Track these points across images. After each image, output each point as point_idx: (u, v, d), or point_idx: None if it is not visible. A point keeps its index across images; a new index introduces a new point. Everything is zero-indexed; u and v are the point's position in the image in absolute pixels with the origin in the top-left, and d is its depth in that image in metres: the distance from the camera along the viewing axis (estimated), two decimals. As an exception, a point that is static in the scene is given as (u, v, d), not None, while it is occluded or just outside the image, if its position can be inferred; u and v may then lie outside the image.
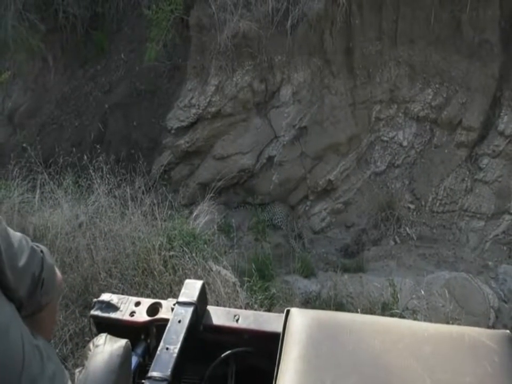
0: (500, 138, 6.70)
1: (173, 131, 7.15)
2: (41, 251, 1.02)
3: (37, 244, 1.02)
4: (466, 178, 6.86)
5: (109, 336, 1.28)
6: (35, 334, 0.95)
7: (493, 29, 6.76)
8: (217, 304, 3.85)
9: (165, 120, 7.20)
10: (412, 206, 6.97)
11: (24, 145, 6.42)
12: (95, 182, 4.93)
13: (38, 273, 0.98)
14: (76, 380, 1.15)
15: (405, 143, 7.11)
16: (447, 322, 4.34)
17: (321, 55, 6.97)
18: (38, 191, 4.83)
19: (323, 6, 6.75)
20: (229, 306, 3.85)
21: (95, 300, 1.60)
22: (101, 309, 1.56)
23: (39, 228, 4.21)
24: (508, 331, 1.23)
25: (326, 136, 6.93)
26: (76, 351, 3.36)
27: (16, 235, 0.96)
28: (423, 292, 4.68)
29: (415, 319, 4.43)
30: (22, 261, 0.94)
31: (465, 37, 6.85)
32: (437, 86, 7.00)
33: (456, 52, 6.93)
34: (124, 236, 4.34)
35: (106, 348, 1.22)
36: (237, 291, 4.23)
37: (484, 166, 6.77)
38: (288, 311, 1.35)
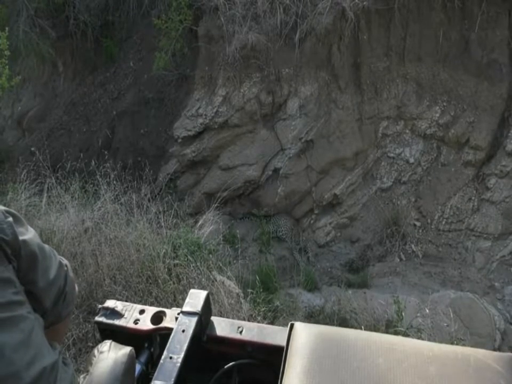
0: (508, 159, 6.69)
1: (179, 140, 7.17)
2: (66, 265, 1.05)
3: (61, 257, 1.04)
4: (473, 198, 6.84)
5: (113, 343, 1.27)
6: (52, 342, 0.96)
7: (502, 49, 6.80)
8: (220, 314, 3.82)
9: (172, 129, 7.23)
10: (418, 224, 6.94)
11: (33, 149, 6.45)
12: (101, 188, 4.94)
13: (62, 286, 1.00)
14: None
15: (411, 160, 7.10)
16: (452, 343, 4.29)
17: (329, 69, 7.01)
18: (45, 195, 4.84)
19: (331, 20, 6.81)
20: (232, 317, 3.82)
21: (100, 306, 1.60)
22: (106, 316, 1.56)
23: (45, 232, 4.20)
24: None
25: (332, 150, 6.93)
26: (79, 357, 3.33)
27: (45, 246, 0.98)
28: (427, 311, 4.63)
29: (419, 337, 4.38)
30: (52, 273, 0.97)
31: (473, 56, 6.88)
32: (444, 104, 7.02)
33: (464, 70, 6.96)
34: (129, 242, 4.33)
35: (111, 354, 1.22)
36: (241, 302, 4.20)
37: (491, 186, 6.74)
38: (292, 325, 1.34)
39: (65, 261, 1.05)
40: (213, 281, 4.17)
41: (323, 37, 6.82)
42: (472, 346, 1.32)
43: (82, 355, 3.40)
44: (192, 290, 1.58)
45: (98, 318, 1.56)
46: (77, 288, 1.09)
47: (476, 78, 6.90)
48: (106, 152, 5.90)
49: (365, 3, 6.70)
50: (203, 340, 1.50)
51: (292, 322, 1.36)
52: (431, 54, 6.98)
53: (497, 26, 6.75)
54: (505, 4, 6.66)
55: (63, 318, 1.04)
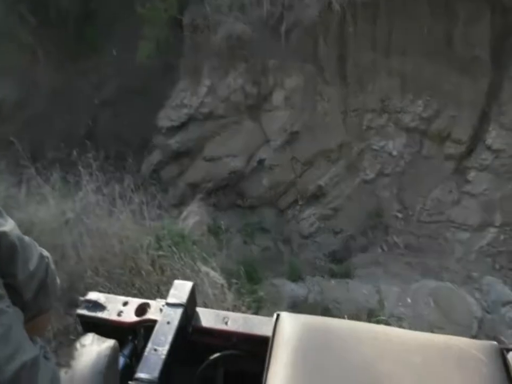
0: (487, 153, 6.83)
1: (163, 130, 7.10)
2: (47, 257, 1.02)
3: (42, 249, 1.02)
4: (453, 190, 6.97)
5: (96, 336, 1.25)
6: (33, 337, 0.94)
7: (484, 46, 6.89)
8: (205, 305, 3.81)
9: (156, 119, 7.15)
10: (400, 215, 7.05)
11: (11, 138, 6.29)
12: (83, 178, 4.85)
13: (44, 278, 0.97)
14: (61, 380, 1.12)
15: (394, 153, 7.19)
16: (431, 331, 4.37)
17: (315, 62, 7.02)
18: (24, 185, 4.73)
19: (318, 12, 6.80)
20: (217, 308, 3.82)
21: (81, 298, 1.56)
22: (88, 308, 1.53)
23: (25, 224, 4.10)
24: (495, 342, 1.24)
25: (317, 142, 6.96)
26: (60, 350, 3.28)
27: (26, 238, 0.95)
28: (409, 300, 4.72)
29: (400, 326, 4.45)
30: (32, 265, 0.94)
31: (456, 52, 6.96)
32: (427, 98, 7.10)
33: (447, 65, 7.04)
34: (111, 234, 4.27)
35: (93, 347, 1.20)
36: (225, 293, 4.20)
37: (471, 179, 6.89)
38: (278, 315, 1.34)
39: (46, 253, 1.01)
40: (197, 272, 4.16)
41: (309, 29, 6.81)
42: (451, 334, 1.35)
43: (64, 348, 3.36)
44: (176, 282, 1.56)
45: (80, 311, 1.52)
46: (58, 280, 1.05)
47: (458, 74, 6.99)
48: (88, 142, 5.79)
49: (351, -4, 6.71)
50: (188, 331, 1.48)
51: (278, 312, 1.36)
52: (416, 48, 7.03)
53: (480, 23, 6.84)
54: (488, 1, 6.75)
55: (45, 311, 1.01)
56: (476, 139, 6.97)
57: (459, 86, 7.00)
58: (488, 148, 6.84)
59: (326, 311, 4.86)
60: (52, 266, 1.01)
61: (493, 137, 6.81)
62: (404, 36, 7.03)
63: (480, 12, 6.78)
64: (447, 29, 6.93)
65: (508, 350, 1.23)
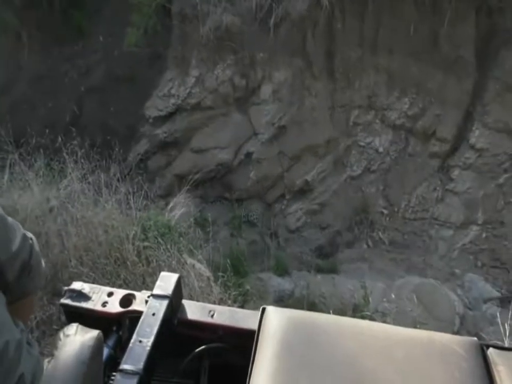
0: (471, 151, 6.96)
1: (150, 120, 7.01)
2: (31, 238, 1.00)
3: (26, 231, 1.00)
4: (437, 188, 7.08)
5: (80, 326, 1.23)
6: (16, 320, 0.92)
7: (469, 46, 6.99)
8: (191, 298, 3.80)
9: (143, 108, 7.05)
10: (385, 211, 7.14)
11: (-6, 123, 6.12)
12: (68, 166, 4.76)
13: (27, 259, 0.96)
14: (44, 369, 1.09)
15: (380, 149, 7.26)
16: (415, 327, 4.46)
17: (303, 56, 7.02)
18: (7, 171, 4.61)
19: (307, 6, 6.79)
20: (203, 301, 3.81)
21: (65, 288, 1.55)
22: (72, 298, 1.51)
23: (7, 210, 3.98)
24: (475, 338, 1.29)
25: (305, 137, 6.98)
26: (43, 339, 3.24)
27: (8, 218, 0.94)
28: (393, 296, 4.80)
29: (384, 321, 4.53)
30: (15, 246, 0.92)
31: (442, 51, 7.05)
32: (413, 96, 7.18)
33: (432, 64, 7.12)
34: (96, 223, 4.22)
35: (77, 338, 1.18)
36: (211, 286, 4.20)
37: (455, 177, 7.01)
38: (264, 309, 1.35)
39: (30, 235, 1.00)
40: (183, 264, 4.14)
41: (298, 23, 6.80)
42: (433, 330, 1.40)
43: (47, 338, 3.31)
44: (163, 273, 1.55)
45: (64, 300, 1.51)
46: (43, 263, 1.04)
47: (443, 73, 7.09)
48: (73, 129, 5.67)
49: (339, -9, 6.72)
50: (174, 323, 1.48)
51: (264, 306, 1.37)
52: (402, 46, 7.10)
53: (465, 23, 6.93)
54: (474, 2, 6.85)
55: (29, 292, 1.00)
56: (460, 138, 7.09)
57: (444, 85, 7.10)
58: (472, 147, 6.96)
59: (312, 306, 4.90)
60: (37, 248, 1.00)
61: (477, 136, 6.94)
62: (390, 34, 7.09)
63: (465, 12, 6.88)
64: (433, 28, 7.01)
65: (488, 346, 1.27)
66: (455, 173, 7.02)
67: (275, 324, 1.28)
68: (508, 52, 6.80)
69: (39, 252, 1.02)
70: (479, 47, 7.03)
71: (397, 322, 4.56)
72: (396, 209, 7.11)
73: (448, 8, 6.73)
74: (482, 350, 1.24)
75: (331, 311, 4.48)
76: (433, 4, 6.81)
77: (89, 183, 4.74)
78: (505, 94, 6.82)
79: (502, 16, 6.84)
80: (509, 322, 3.63)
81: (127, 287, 3.72)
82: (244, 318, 1.47)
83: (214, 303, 3.90)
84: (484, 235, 6.76)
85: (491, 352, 1.24)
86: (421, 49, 7.09)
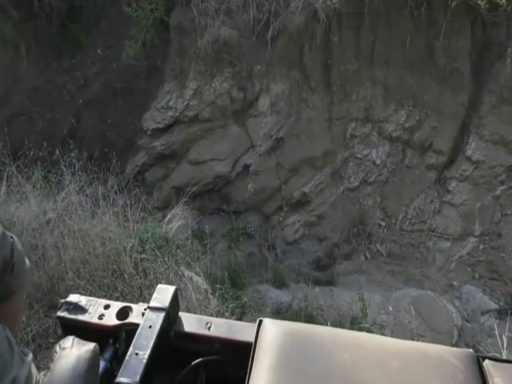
0: (467, 163, 6.99)
1: (148, 132, 7.03)
2: (12, 237, 1.00)
3: (6, 231, 0.99)
4: (435, 200, 7.10)
5: (76, 339, 1.22)
6: (2, 325, 0.91)
7: (464, 59, 7.07)
8: (188, 310, 3.78)
9: (141, 120, 7.07)
10: (383, 223, 7.14)
11: (-9, 135, 6.12)
12: (66, 178, 4.76)
13: (9, 257, 0.95)
14: (40, 382, 1.08)
15: (378, 162, 7.29)
16: (413, 339, 4.44)
17: (300, 69, 7.07)
18: (4, 183, 4.61)
19: (304, 20, 6.87)
20: (200, 313, 3.79)
21: (62, 300, 1.54)
22: (68, 310, 1.50)
23: (4, 222, 4.00)
24: (471, 350, 1.28)
25: (302, 149, 7.00)
26: (39, 353, 3.20)
27: None
28: (391, 308, 4.78)
29: (382, 334, 4.51)
30: None
31: (438, 64, 7.12)
32: (410, 108, 7.23)
33: (429, 77, 7.19)
34: (93, 235, 4.20)
35: (73, 351, 1.16)
36: (209, 298, 4.18)
37: (452, 189, 7.03)
38: (260, 321, 1.35)
39: (11, 234, 1.00)
40: (180, 277, 4.12)
41: (295, 36, 6.87)
42: (431, 342, 1.39)
43: (43, 351, 3.27)
44: (159, 286, 1.55)
45: (60, 313, 1.49)
46: (27, 261, 1.04)
47: (439, 85, 7.15)
48: (71, 142, 5.68)
49: (336, 5, 6.80)
50: (170, 336, 1.46)
51: (260, 318, 1.37)
52: (398, 59, 7.17)
53: (461, 36, 7.02)
54: (469, 15, 6.94)
55: (13, 292, 0.98)
56: (457, 150, 7.13)
57: (440, 97, 7.16)
58: (468, 159, 7.00)
59: (310, 318, 4.87)
60: (18, 246, 0.99)
61: (473, 148, 6.99)
62: (387, 47, 7.16)
63: (461, 26, 6.97)
64: (429, 41, 7.09)
65: (484, 358, 1.26)
66: (452, 185, 7.04)
67: (272, 336, 1.28)
68: (503, 64, 6.88)
69: (22, 250, 1.01)
70: (475, 60, 7.11)
71: (395, 334, 4.54)
72: (393, 221, 7.11)
73: (443, 22, 6.82)
74: (478, 361, 1.24)
75: (329, 323, 4.46)
76: (429, 17, 6.90)
77: (86, 195, 4.74)
78: (501, 106, 6.89)
79: (496, 30, 6.94)
80: (506, 334, 3.62)
81: (124, 300, 3.70)
82: (240, 330, 1.47)
83: (212, 315, 3.87)
84: (481, 247, 6.77)
85: (487, 363, 1.23)
86: (417, 62, 7.17)
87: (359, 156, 7.32)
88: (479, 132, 6.98)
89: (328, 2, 6.79)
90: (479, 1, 6.61)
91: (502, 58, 6.91)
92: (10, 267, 0.95)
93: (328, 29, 6.94)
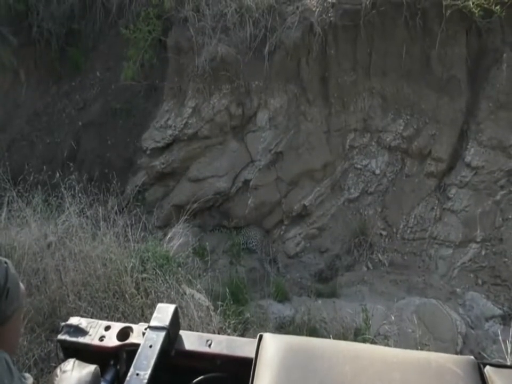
0: (467, 170, 6.96)
1: (148, 151, 7.10)
2: (5, 262, 1.01)
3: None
4: (435, 207, 7.06)
5: (77, 361, 1.24)
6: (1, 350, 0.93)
7: (460, 66, 7.09)
8: (190, 328, 3.78)
9: (140, 140, 7.14)
10: (384, 233, 7.11)
11: (-8, 160, 6.21)
12: (66, 200, 4.80)
13: (3, 282, 0.96)
14: None
15: (377, 171, 7.28)
16: (417, 348, 4.39)
17: (298, 83, 7.13)
18: (5, 208, 4.66)
19: (300, 34, 6.95)
20: (202, 331, 3.78)
21: (62, 323, 1.54)
22: (69, 333, 1.50)
23: (5, 247, 4.04)
24: (472, 357, 1.27)
25: (301, 162, 7.03)
26: (41, 378, 3.20)
27: None
28: (393, 318, 4.74)
29: (386, 344, 4.47)
30: None
31: (434, 72, 7.15)
32: (408, 117, 7.25)
33: (426, 85, 7.21)
34: (94, 257, 4.22)
35: (74, 373, 1.18)
36: (211, 315, 4.18)
37: (452, 195, 6.99)
38: (260, 336, 1.35)
39: (4, 259, 1.01)
40: (182, 295, 4.12)
41: (292, 50, 6.94)
42: (435, 350, 1.38)
43: (45, 375, 3.28)
44: (160, 305, 1.55)
45: (61, 336, 1.49)
46: (22, 286, 1.05)
47: (436, 93, 7.16)
48: (71, 164, 5.75)
49: (332, 19, 6.88)
50: (171, 354, 1.46)
51: (261, 333, 1.37)
52: (395, 69, 7.20)
53: (456, 44, 7.04)
54: (463, 23, 6.98)
55: (8, 316, 1.00)
56: (456, 157, 7.11)
57: (437, 105, 7.17)
58: (468, 165, 6.97)
59: (313, 331, 4.84)
60: (12, 271, 1.01)
61: (472, 154, 6.96)
62: (383, 57, 7.20)
63: (456, 33, 7.00)
64: (425, 50, 7.12)
65: (485, 364, 1.26)
66: (452, 191, 7.01)
67: (272, 350, 1.28)
68: (499, 70, 6.90)
69: (16, 274, 1.02)
70: (471, 66, 7.13)
71: (399, 344, 4.50)
72: (394, 230, 7.08)
73: (438, 30, 6.86)
74: (479, 368, 1.23)
75: (331, 336, 4.43)
76: (424, 27, 6.95)
77: (87, 217, 4.77)
78: (498, 112, 6.88)
79: (491, 36, 6.96)
80: (510, 339, 3.58)
81: (126, 320, 3.71)
82: (241, 346, 1.46)
83: (214, 332, 3.87)
84: (483, 252, 6.71)
85: (488, 370, 1.23)
86: (413, 70, 7.20)
87: (358, 166, 7.33)
88: (478, 137, 6.97)
89: (324, 16, 6.88)
90: (473, 9, 6.64)
91: (497, 64, 6.92)
92: (5, 292, 0.96)
93: (325, 42, 7.01)
